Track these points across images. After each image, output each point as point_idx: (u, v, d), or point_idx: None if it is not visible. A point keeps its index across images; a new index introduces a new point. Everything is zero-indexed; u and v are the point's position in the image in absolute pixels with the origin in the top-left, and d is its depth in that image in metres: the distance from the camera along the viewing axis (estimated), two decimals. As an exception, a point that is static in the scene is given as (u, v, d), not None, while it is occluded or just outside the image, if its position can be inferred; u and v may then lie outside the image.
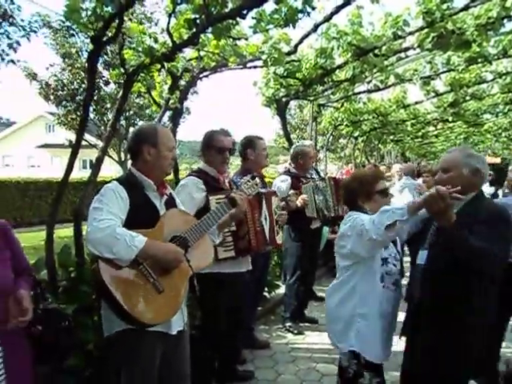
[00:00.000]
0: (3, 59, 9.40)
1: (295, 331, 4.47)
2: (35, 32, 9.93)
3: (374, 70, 5.72)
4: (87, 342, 2.74)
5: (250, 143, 3.65)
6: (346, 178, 4.36)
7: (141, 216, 2.05)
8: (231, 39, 3.88)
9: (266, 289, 4.95)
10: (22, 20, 9.30)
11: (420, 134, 14.02)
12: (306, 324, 4.66)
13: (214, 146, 2.94)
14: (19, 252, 1.81)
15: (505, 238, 1.99)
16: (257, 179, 2.66)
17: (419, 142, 17.00)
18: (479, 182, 2.18)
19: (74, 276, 3.18)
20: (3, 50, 9.32)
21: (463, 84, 7.76)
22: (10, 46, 9.34)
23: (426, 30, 4.67)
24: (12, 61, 9.68)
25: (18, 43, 9.42)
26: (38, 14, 11.53)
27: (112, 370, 2.62)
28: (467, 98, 8.94)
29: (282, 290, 5.35)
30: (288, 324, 4.53)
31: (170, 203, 2.29)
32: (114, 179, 2.15)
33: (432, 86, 8.12)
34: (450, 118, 10.51)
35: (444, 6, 4.30)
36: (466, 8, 4.41)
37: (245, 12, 3.13)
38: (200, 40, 3.66)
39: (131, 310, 1.86)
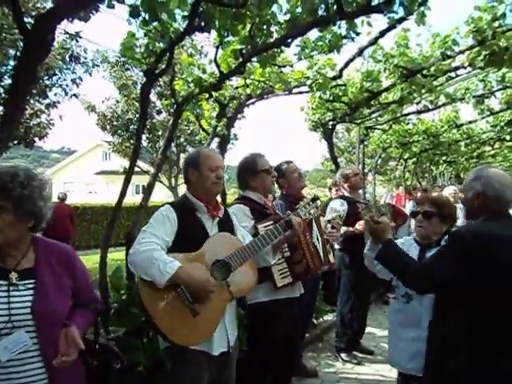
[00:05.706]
0: (67, 93, 10.13)
1: (354, 361, 4.28)
2: (98, 66, 10.68)
3: (423, 91, 5.61)
4: (137, 364, 2.80)
5: (279, 172, 3.42)
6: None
7: (189, 237, 2.10)
8: (276, 67, 3.97)
9: (314, 314, 4.83)
10: (85, 58, 10.03)
11: (475, 154, 13.41)
12: (358, 354, 4.45)
13: (262, 170, 2.85)
14: (83, 281, 1.70)
15: (448, 256, 1.92)
16: (318, 202, 2.64)
17: (475, 162, 16.21)
18: (486, 206, 1.94)
19: (125, 298, 3.28)
20: (67, 85, 10.07)
21: (521, 101, 7.44)
22: (73, 81, 10.08)
23: (477, 49, 4.55)
24: (75, 95, 10.41)
25: (81, 79, 10.17)
26: (97, 50, 12.47)
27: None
28: (526, 115, 8.52)
29: (330, 316, 5.21)
30: (343, 355, 4.33)
31: (225, 225, 2.30)
32: (167, 203, 2.24)
33: (486, 105, 7.81)
34: (508, 137, 10.02)
35: (495, 24, 4.18)
36: (519, 24, 4.26)
37: (289, 41, 3.20)
38: (246, 69, 3.78)
39: (165, 330, 1.94)
